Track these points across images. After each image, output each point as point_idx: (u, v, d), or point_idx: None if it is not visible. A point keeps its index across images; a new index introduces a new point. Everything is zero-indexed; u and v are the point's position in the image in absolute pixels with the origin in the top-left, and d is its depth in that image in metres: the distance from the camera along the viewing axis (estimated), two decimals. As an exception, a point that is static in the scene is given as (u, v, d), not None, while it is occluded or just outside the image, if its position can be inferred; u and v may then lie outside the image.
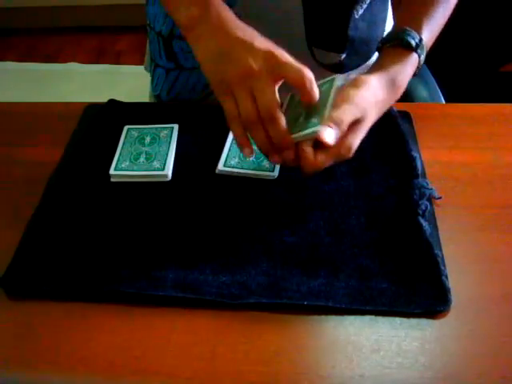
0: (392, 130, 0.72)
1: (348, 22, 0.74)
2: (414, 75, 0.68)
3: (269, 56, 0.56)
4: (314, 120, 0.57)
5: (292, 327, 0.53)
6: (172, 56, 0.82)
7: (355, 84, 0.60)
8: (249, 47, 0.56)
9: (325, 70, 0.77)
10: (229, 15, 0.60)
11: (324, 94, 0.58)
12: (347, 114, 0.57)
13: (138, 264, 0.57)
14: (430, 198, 0.63)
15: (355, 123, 0.58)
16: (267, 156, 0.59)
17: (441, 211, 0.62)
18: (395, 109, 0.75)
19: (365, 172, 0.67)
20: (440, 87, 0.98)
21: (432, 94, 0.97)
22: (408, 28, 0.66)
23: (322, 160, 0.57)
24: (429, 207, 0.61)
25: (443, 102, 0.96)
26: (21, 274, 0.57)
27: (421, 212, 0.60)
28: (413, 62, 0.65)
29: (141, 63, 0.97)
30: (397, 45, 0.65)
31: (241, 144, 0.59)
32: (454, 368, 0.49)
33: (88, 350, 0.51)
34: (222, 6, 0.61)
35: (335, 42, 0.77)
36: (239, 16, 0.61)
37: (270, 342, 0.51)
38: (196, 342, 0.52)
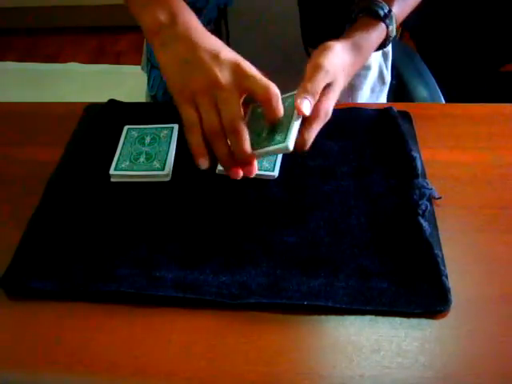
0: (392, 130, 0.72)
1: (344, 23, 0.75)
2: (383, 47, 0.70)
3: (235, 68, 0.56)
4: (278, 137, 0.57)
5: (292, 327, 0.53)
6: None
7: (322, 51, 0.61)
8: (215, 57, 0.56)
9: None
10: (196, 23, 0.60)
11: (288, 109, 0.58)
12: (320, 83, 0.58)
13: (138, 264, 0.57)
14: (430, 198, 0.63)
15: (326, 87, 0.59)
16: (227, 169, 0.58)
17: (441, 211, 0.62)
18: (395, 109, 0.75)
19: (365, 172, 0.67)
20: (440, 87, 0.98)
21: (432, 93, 0.97)
22: (379, 0, 0.68)
23: (309, 135, 0.59)
24: (429, 207, 0.61)
25: (443, 101, 0.96)
26: (21, 274, 0.57)
27: (421, 212, 0.60)
28: (379, 30, 0.67)
29: (141, 63, 0.97)
30: (365, 15, 0.68)
31: (196, 154, 0.57)
32: (453, 368, 0.49)
33: (88, 349, 0.51)
34: (190, 13, 0.61)
35: None
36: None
37: (270, 341, 0.51)
38: (196, 342, 0.52)
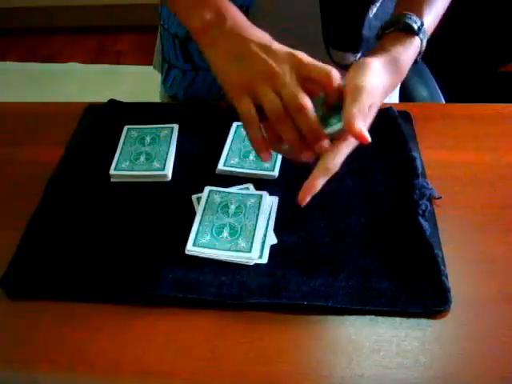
0: (392, 130, 0.72)
1: (363, 22, 0.74)
2: (415, 62, 0.67)
3: (290, 57, 0.56)
4: (334, 120, 0.56)
5: (292, 327, 0.53)
6: (189, 58, 0.81)
7: (361, 69, 0.59)
8: (267, 49, 0.56)
9: (343, 70, 0.77)
10: (243, 20, 0.60)
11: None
12: (366, 106, 0.56)
13: (137, 264, 0.57)
14: (430, 198, 0.63)
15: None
16: (298, 155, 0.57)
17: (441, 211, 0.62)
18: (395, 109, 0.75)
19: (365, 172, 0.67)
20: (440, 87, 0.98)
21: (432, 93, 0.97)
22: (408, 13, 0.65)
23: (337, 160, 0.56)
24: (429, 207, 0.61)
25: (443, 102, 0.96)
26: (21, 274, 0.57)
27: (421, 212, 0.60)
28: (415, 45, 0.64)
29: (141, 63, 0.97)
30: (398, 29, 0.64)
31: (258, 147, 0.57)
32: (453, 368, 0.49)
33: (88, 349, 0.51)
34: (237, 11, 0.61)
35: (350, 42, 0.77)
36: (254, 18, 0.61)
37: (270, 341, 0.51)
38: (196, 342, 0.52)
